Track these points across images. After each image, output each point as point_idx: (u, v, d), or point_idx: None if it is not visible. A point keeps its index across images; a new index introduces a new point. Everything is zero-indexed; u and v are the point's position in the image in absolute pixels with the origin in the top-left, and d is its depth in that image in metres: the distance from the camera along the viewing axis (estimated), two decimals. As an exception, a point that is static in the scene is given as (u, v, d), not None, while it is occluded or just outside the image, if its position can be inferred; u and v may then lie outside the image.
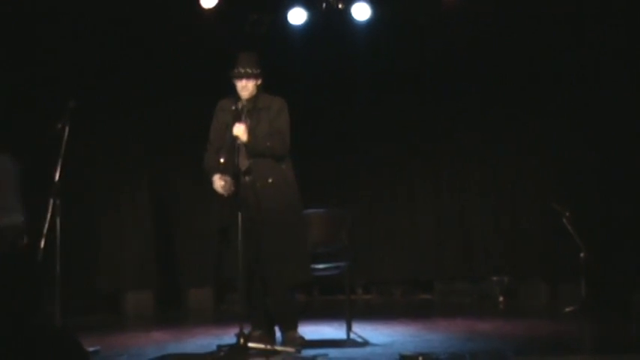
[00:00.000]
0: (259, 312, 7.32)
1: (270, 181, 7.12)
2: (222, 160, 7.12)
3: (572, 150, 10.31)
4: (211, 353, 7.07)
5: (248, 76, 7.18)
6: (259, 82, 7.26)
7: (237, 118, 7.14)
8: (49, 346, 3.26)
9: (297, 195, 7.34)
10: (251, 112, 7.18)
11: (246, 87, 7.19)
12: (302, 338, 7.35)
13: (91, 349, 7.23)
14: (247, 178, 7.13)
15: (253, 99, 7.24)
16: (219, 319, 9.86)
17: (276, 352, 6.88)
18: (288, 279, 7.26)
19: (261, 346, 6.88)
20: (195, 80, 10.49)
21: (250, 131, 7.11)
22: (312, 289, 11.59)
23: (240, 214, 6.83)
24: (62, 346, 3.31)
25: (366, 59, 11.14)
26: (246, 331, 6.93)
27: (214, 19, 10.23)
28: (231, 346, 6.94)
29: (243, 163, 7.15)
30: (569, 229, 9.40)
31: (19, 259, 6.89)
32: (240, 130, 7.05)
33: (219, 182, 7.06)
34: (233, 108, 7.19)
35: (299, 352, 7.05)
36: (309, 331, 7.97)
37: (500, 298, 10.62)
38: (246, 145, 7.07)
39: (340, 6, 10.31)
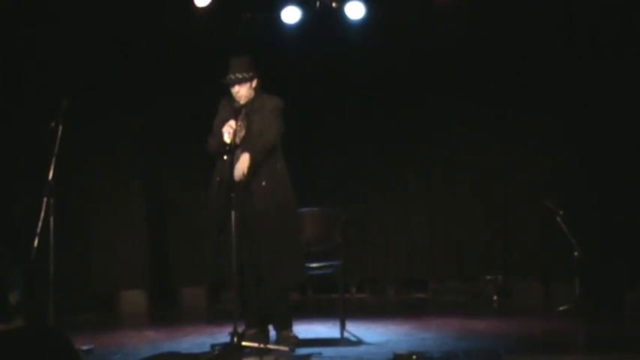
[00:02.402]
0: (253, 311, 7.33)
1: (263, 184, 7.13)
2: (224, 157, 7.14)
3: (566, 148, 10.31)
4: (205, 352, 7.08)
5: (239, 82, 7.19)
6: (255, 83, 7.26)
7: (236, 117, 7.13)
8: (40, 346, 3.26)
9: (292, 194, 7.35)
10: (249, 114, 7.19)
11: (239, 92, 7.20)
12: (296, 337, 7.37)
13: (84, 347, 7.25)
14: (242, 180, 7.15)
15: (251, 101, 7.25)
16: (213, 317, 9.85)
17: (269, 351, 6.89)
18: (284, 279, 7.27)
19: (255, 345, 6.89)
20: (190, 79, 10.48)
21: (247, 135, 7.13)
22: (305, 288, 11.59)
23: (233, 213, 6.84)
24: (53, 345, 3.30)
25: (359, 58, 11.13)
26: (240, 329, 6.94)
27: (208, 18, 10.22)
28: (225, 345, 6.94)
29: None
30: (562, 228, 9.41)
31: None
32: (239, 172, 7.04)
33: (226, 129, 7.06)
34: (235, 105, 7.20)
35: (293, 351, 7.06)
36: (303, 330, 7.98)
37: (494, 297, 10.61)
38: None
39: (334, 5, 10.31)
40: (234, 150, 7.07)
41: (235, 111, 7.18)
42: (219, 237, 7.14)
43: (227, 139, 7.04)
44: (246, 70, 7.21)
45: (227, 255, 6.93)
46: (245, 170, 7.00)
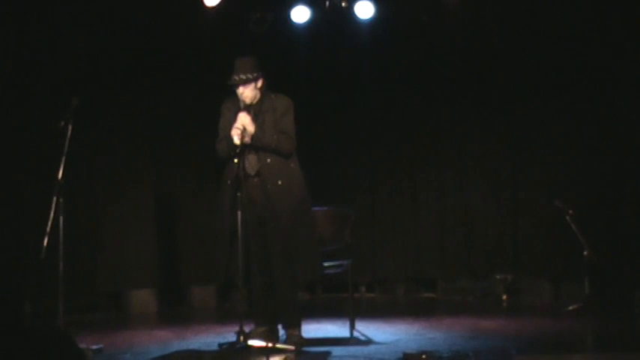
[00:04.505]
0: (263, 309, 7.33)
1: (280, 183, 7.14)
2: (235, 160, 7.13)
3: (576, 147, 10.28)
4: (211, 350, 7.09)
5: (244, 83, 7.18)
6: (260, 84, 7.26)
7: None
8: (43, 345, 3.26)
9: (306, 193, 7.36)
10: (257, 114, 7.18)
11: (244, 93, 7.20)
12: (302, 337, 7.35)
13: (94, 347, 7.26)
14: (256, 180, 7.16)
15: (258, 102, 7.25)
16: (223, 317, 9.86)
17: (276, 350, 6.88)
18: (301, 277, 7.29)
19: (262, 344, 6.89)
20: (199, 79, 10.49)
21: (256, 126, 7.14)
22: (315, 287, 11.59)
23: (240, 213, 6.84)
24: (56, 344, 3.30)
25: (369, 58, 11.14)
26: (247, 328, 6.94)
27: (217, 17, 10.22)
28: (231, 344, 6.95)
29: (253, 166, 7.16)
30: (572, 227, 9.39)
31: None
32: (246, 120, 7.06)
33: (235, 132, 7.06)
34: (241, 105, 7.19)
35: (299, 350, 7.05)
36: (313, 329, 7.99)
37: (504, 297, 10.61)
38: (253, 136, 7.07)
39: (344, 4, 10.30)
40: (244, 151, 7.08)
41: (242, 110, 7.19)
42: (232, 239, 7.12)
43: (237, 141, 7.04)
44: (251, 70, 7.21)
45: (238, 255, 6.93)
46: (246, 123, 7.03)
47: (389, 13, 10.56)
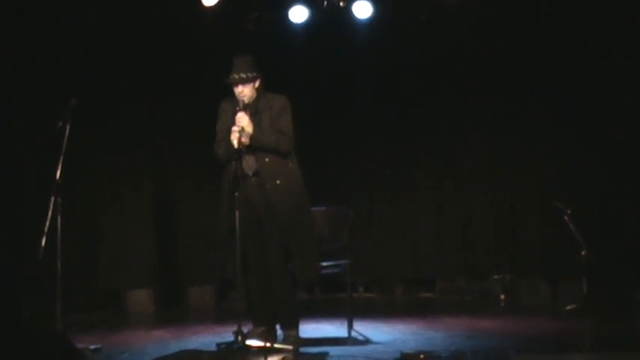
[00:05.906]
0: (261, 309, 7.32)
1: (278, 182, 7.12)
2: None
3: (574, 147, 10.28)
4: (209, 351, 7.09)
5: (243, 82, 7.15)
6: (257, 83, 7.24)
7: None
8: (42, 346, 3.27)
9: (305, 192, 7.35)
10: (253, 114, 7.16)
11: (243, 92, 7.16)
12: (299, 337, 7.33)
13: (92, 347, 7.26)
14: (254, 179, 7.14)
15: (255, 101, 7.23)
16: (221, 317, 9.85)
17: (274, 350, 6.88)
18: (300, 276, 7.29)
19: (260, 344, 6.89)
20: (197, 79, 10.48)
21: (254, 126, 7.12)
22: (313, 287, 11.59)
23: (237, 212, 6.82)
24: (55, 345, 3.31)
25: (367, 57, 11.14)
26: (245, 329, 6.94)
27: (215, 17, 10.22)
28: (230, 344, 6.94)
29: (251, 166, 7.15)
30: (570, 226, 9.39)
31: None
32: (244, 121, 7.04)
33: (233, 136, 7.03)
34: (237, 109, 7.16)
35: (298, 350, 7.05)
36: (311, 329, 7.99)
37: (502, 296, 10.60)
38: (251, 136, 7.05)
39: (341, 4, 10.32)
40: (242, 153, 7.05)
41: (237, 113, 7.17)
42: (230, 239, 7.10)
43: (236, 145, 7.01)
44: (250, 69, 7.17)
45: (235, 255, 6.92)
46: (244, 124, 7.01)
47: (386, 13, 10.57)
